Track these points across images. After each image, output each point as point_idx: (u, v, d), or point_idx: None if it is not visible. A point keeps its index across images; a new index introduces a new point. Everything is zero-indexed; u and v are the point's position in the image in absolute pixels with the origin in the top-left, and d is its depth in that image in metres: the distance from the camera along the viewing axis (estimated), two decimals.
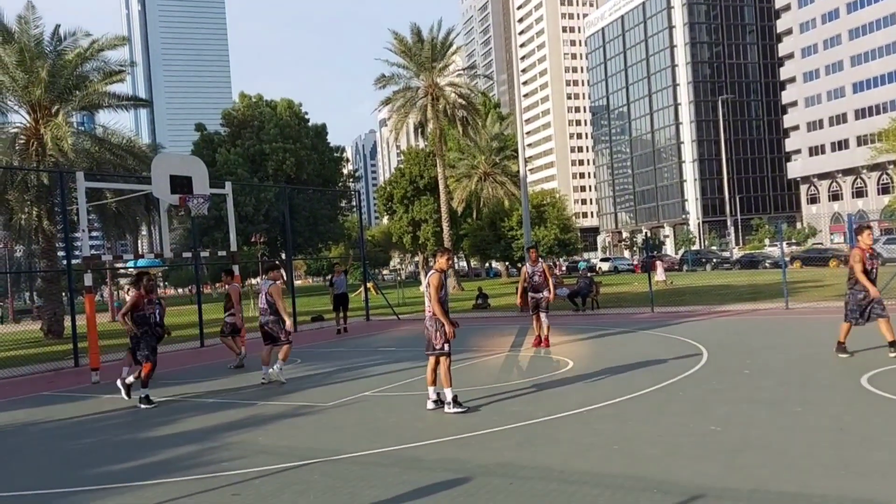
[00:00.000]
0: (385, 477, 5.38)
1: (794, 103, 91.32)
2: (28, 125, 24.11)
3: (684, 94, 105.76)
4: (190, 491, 5.38)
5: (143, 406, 9.23)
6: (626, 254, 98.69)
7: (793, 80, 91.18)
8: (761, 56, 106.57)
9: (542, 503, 4.54)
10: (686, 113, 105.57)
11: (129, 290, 12.41)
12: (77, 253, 14.62)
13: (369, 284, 25.42)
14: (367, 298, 23.72)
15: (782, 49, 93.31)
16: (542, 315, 12.44)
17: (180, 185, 13.59)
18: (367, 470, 5.61)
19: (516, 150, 47.25)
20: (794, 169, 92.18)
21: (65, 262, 16.73)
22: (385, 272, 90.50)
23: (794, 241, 66.62)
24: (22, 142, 23.92)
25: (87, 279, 13.03)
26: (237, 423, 7.80)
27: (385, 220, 66.05)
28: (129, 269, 47.58)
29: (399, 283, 44.97)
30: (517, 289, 13.13)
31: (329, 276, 20.45)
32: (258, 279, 58.63)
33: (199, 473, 5.87)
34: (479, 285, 31.47)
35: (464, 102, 42.82)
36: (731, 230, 75.35)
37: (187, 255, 18.17)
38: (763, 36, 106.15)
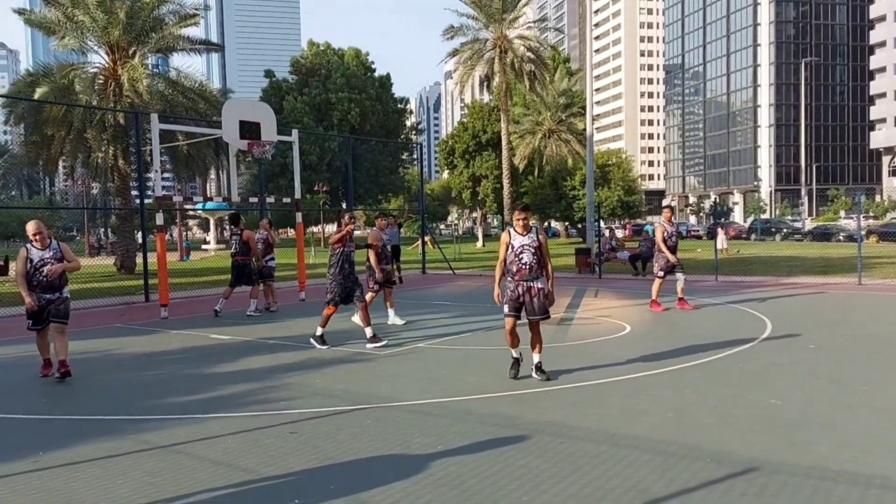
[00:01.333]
0: (436, 426, 5.47)
1: (883, 69, 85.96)
2: (106, 66, 24.83)
3: (765, 55, 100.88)
4: (249, 426, 5.60)
5: (318, 346, 9.13)
6: (692, 219, 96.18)
7: (882, 44, 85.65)
8: (850, 18, 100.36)
9: (592, 464, 4.55)
10: (765, 75, 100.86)
11: (231, 229, 11.96)
12: (149, 193, 15.12)
13: (427, 238, 25.55)
14: (425, 252, 23.88)
15: (874, 11, 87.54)
16: (680, 276, 12.69)
17: (249, 130, 13.84)
18: (419, 419, 5.72)
19: (584, 108, 46.20)
20: (878, 139, 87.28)
21: (138, 201, 17.34)
22: (442, 227, 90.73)
23: (871, 214, 63.57)
24: (100, 82, 24.69)
25: (159, 218, 13.49)
26: (296, 365, 8.05)
27: (445, 174, 65.88)
28: (198, 211, 49.09)
29: (456, 239, 45.08)
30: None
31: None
32: (318, 227, 59.73)
33: (259, 410, 6.10)
34: None
35: (532, 56, 41.91)
36: (805, 200, 72.34)
37: (254, 200, 18.59)
38: None
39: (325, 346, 9.07)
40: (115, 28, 23.88)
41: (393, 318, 11.11)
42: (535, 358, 7.06)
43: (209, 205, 27.87)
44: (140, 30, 24.66)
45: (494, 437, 5.18)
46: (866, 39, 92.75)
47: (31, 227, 7.40)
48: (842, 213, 67.26)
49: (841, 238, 42.14)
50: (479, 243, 48.75)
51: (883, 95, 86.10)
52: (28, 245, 7.40)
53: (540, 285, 6.81)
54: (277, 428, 5.56)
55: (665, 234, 12.34)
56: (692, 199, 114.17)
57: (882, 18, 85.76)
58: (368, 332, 9.11)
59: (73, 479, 4.49)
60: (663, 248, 12.34)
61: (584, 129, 42.82)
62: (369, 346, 9.00)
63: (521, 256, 6.76)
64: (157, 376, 7.71)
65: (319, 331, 9.22)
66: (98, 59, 25.52)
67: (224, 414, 6.00)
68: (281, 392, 6.71)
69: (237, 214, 13.03)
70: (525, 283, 6.80)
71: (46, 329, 7.52)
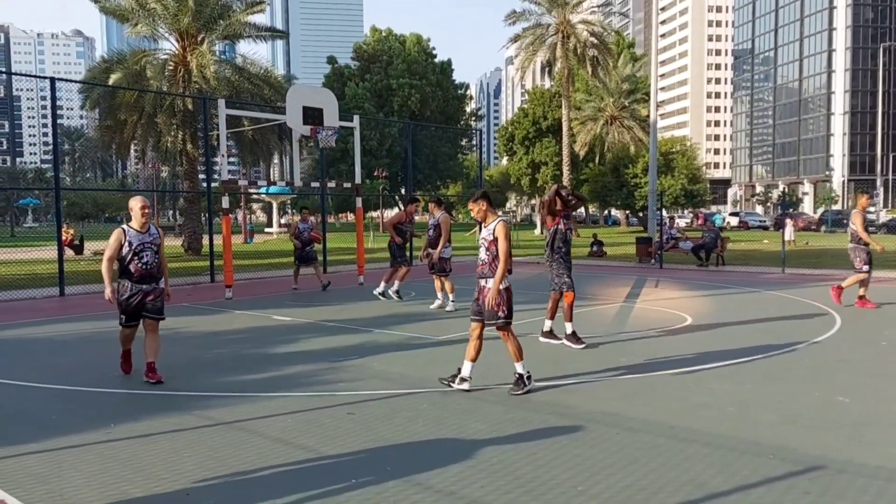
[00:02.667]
0: (491, 413, 5.49)
1: None
2: (176, 52, 25.58)
3: (841, 40, 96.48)
4: (308, 406, 5.74)
5: (569, 345, 8.08)
6: (759, 209, 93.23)
7: None
8: None
9: (649, 456, 4.50)
10: (841, 60, 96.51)
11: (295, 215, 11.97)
12: (216, 176, 15.55)
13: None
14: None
15: None
16: None
17: (312, 116, 14.05)
18: (474, 404, 5.75)
19: (647, 94, 45.21)
20: None
21: (205, 184, 17.86)
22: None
23: None
24: (170, 68, 25.45)
25: (225, 202, 13.87)
26: (354, 348, 8.19)
27: (504, 160, 65.53)
28: (262, 195, 50.19)
29: (514, 226, 44.86)
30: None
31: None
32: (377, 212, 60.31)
33: (317, 390, 6.24)
34: (595, 232, 30.84)
35: (595, 41, 41.22)
36: (881, 191, 69.18)
37: (315, 184, 18.91)
38: None
39: (582, 345, 7.93)
40: (184, 15, 24.55)
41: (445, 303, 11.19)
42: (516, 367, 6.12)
43: (272, 189, 28.53)
44: (208, 17, 25.28)
45: (550, 425, 5.16)
46: None
47: (137, 202, 6.51)
48: None
49: None
50: (538, 230, 48.38)
51: None
52: (126, 226, 6.51)
53: (489, 286, 6.03)
54: (335, 409, 5.68)
55: (864, 222, 11.20)
56: (759, 189, 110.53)
57: None
58: (568, 327, 8.11)
59: (141, 451, 4.69)
60: (866, 237, 11.15)
61: (648, 116, 41.87)
62: (571, 345, 7.99)
63: (479, 252, 6.15)
64: (220, 355, 7.97)
65: (570, 327, 8.05)
66: (168, 45, 26.33)
67: (284, 393, 6.16)
68: (339, 374, 6.84)
69: (439, 199, 12.01)
70: (480, 282, 6.17)
71: (137, 326, 6.71)
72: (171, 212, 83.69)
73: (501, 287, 6.00)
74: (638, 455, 4.52)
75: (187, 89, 24.28)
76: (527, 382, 6.10)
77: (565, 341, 8.08)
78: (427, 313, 10.94)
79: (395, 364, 7.35)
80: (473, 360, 6.14)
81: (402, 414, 5.50)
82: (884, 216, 53.35)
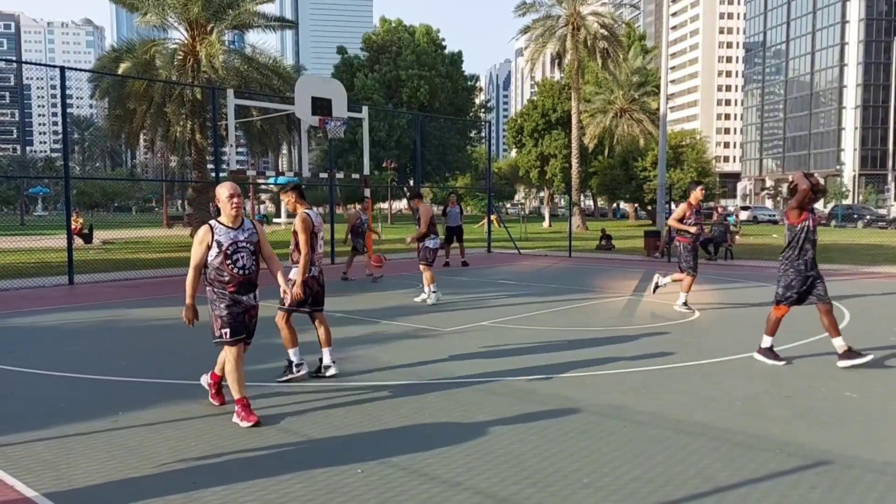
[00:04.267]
0: (498, 404, 5.49)
1: None
2: (185, 42, 25.60)
3: (853, 33, 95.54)
4: (315, 396, 5.75)
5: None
6: (769, 203, 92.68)
7: None
8: None
9: (656, 449, 4.48)
10: (853, 54, 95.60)
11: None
12: (225, 166, 15.57)
13: (493, 217, 25.48)
14: (490, 230, 23.83)
15: None
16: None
17: (321, 106, 14.06)
18: (482, 396, 5.74)
19: (658, 86, 44.93)
20: None
21: (213, 174, 17.88)
22: (508, 206, 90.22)
23: None
24: (180, 58, 25.48)
25: None
26: (361, 339, 8.19)
27: (513, 152, 65.36)
28: (270, 185, 50.27)
29: (522, 218, 44.79)
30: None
31: (443, 206, 19.47)
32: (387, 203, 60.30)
33: (324, 381, 6.25)
34: (603, 226, 30.75)
35: (606, 33, 40.94)
36: (892, 186, 68.67)
37: (324, 175, 18.92)
38: None
39: (782, 362, 6.89)
40: (194, 4, 24.56)
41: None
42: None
43: (281, 179, 28.51)
44: (218, 6, 25.29)
45: (556, 417, 5.15)
46: None
47: (225, 190, 5.11)
48: None
49: None
50: (546, 223, 48.32)
51: None
52: (214, 222, 5.14)
53: (292, 275, 6.23)
54: (342, 398, 5.68)
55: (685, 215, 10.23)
56: (769, 183, 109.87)
57: None
58: (767, 341, 7.04)
59: (148, 439, 4.71)
60: (679, 226, 10.13)
61: (658, 109, 41.64)
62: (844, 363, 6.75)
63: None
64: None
65: (768, 341, 7.01)
66: (178, 35, 26.34)
67: (290, 383, 6.17)
68: (346, 364, 6.85)
69: (419, 193, 12.77)
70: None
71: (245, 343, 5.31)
72: (180, 201, 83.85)
73: (293, 277, 6.12)
74: (644, 448, 4.50)
75: (196, 79, 24.30)
76: (294, 371, 6.23)
77: (756, 355, 7.03)
78: (430, 305, 10.93)
79: (402, 355, 7.35)
80: (295, 346, 6.30)
81: (409, 405, 5.50)
82: (895, 211, 52.96)
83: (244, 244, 5.08)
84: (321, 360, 6.41)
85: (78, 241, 22.78)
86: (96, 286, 13.22)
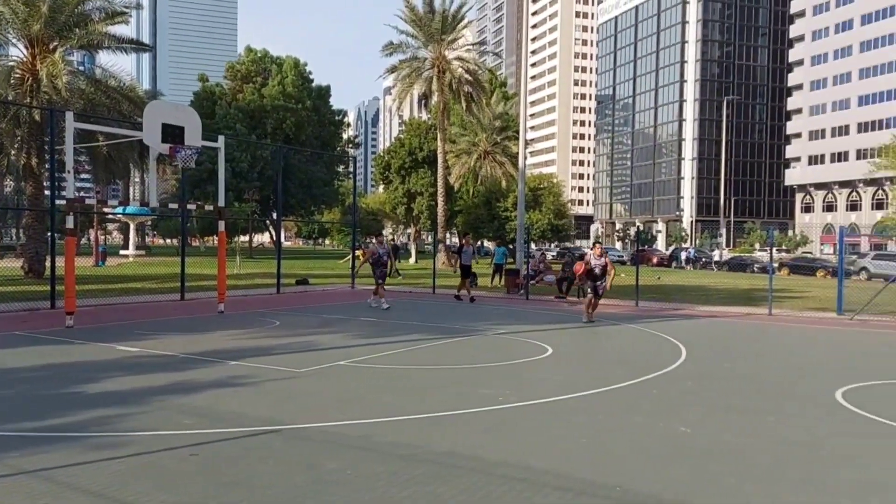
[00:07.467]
0: (349, 450, 5.28)
1: (799, 110, 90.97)
2: (25, 59, 23.65)
3: (690, 92, 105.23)
4: (148, 447, 5.27)
5: None
6: (618, 245, 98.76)
7: (800, 87, 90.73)
8: (771, 60, 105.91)
9: (501, 491, 4.46)
10: (690, 110, 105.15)
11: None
12: (63, 194, 14.36)
13: (358, 252, 25.27)
14: (355, 266, 23.58)
15: (792, 55, 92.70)
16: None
17: (172, 134, 13.36)
18: (331, 441, 5.51)
19: (518, 132, 46.92)
20: (792, 176, 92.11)
21: (50, 201, 16.47)
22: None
23: (784, 248, 66.79)
24: (17, 76, 23.47)
25: (70, 221, 12.81)
26: (206, 383, 7.68)
27: (381, 188, 65.61)
28: (118, 215, 47.19)
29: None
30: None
31: (458, 246, 22.71)
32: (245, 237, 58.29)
33: (160, 429, 5.76)
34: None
35: (470, 78, 42.34)
36: (724, 231, 75.45)
37: (174, 206, 17.96)
38: (775, 40, 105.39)
39: None
40: (35, 21, 22.80)
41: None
42: None
43: (129, 209, 26.80)
44: (63, 25, 23.61)
45: (409, 461, 5.03)
46: (785, 81, 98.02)
47: None
48: (757, 246, 70.33)
49: (755, 269, 44.08)
50: (412, 259, 48.62)
51: (798, 135, 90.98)
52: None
53: None
54: (178, 450, 5.25)
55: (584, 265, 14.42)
56: (618, 226, 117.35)
57: (800, 62, 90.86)
58: None
59: None
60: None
61: (518, 153, 43.41)
62: None
63: None
64: (53, 388, 7.22)
65: None
66: (16, 52, 24.31)
67: (121, 433, 5.63)
68: (186, 411, 6.37)
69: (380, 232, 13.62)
70: None
71: None
72: (14, 230, 76.76)
73: None
74: (491, 489, 4.47)
75: (35, 99, 22.46)
76: None
77: None
78: (287, 344, 10.54)
79: (249, 400, 6.96)
80: None
81: (254, 454, 5.17)
82: (727, 255, 58.07)
83: None
84: None
85: None
86: None
